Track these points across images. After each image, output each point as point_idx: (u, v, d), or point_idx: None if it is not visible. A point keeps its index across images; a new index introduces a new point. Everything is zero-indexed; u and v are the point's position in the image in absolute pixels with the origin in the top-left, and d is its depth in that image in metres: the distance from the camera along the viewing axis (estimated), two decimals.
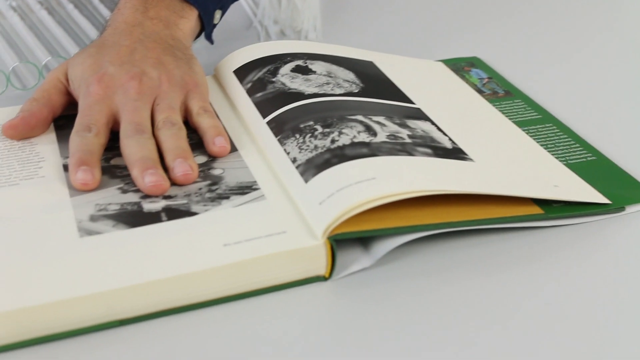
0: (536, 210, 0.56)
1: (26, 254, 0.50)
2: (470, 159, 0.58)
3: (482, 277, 0.53)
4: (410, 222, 0.53)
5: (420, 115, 0.63)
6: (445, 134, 0.61)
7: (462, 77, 0.73)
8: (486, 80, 0.73)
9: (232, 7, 0.86)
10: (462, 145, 0.60)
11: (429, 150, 0.58)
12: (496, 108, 0.68)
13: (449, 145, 0.59)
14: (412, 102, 0.65)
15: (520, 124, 0.66)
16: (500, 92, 0.72)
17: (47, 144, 0.61)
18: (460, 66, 0.75)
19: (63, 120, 0.64)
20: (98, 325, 0.48)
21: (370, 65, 0.70)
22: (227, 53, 0.71)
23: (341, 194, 0.52)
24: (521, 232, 0.56)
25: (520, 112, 0.69)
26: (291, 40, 0.73)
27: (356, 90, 0.64)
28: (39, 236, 0.52)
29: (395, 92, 0.66)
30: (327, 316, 0.51)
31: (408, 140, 0.58)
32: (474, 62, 0.76)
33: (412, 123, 0.61)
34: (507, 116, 0.67)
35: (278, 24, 0.82)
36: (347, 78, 0.66)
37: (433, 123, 0.62)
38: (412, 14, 0.87)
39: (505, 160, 0.60)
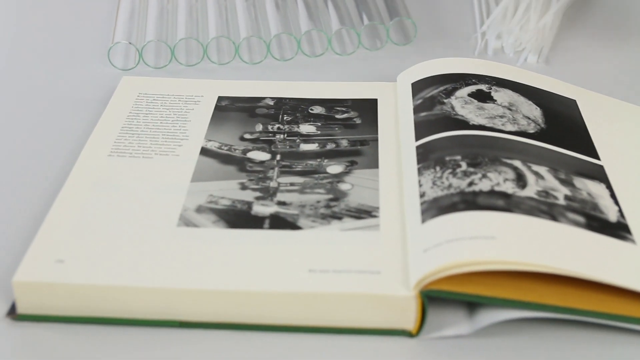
0: None
1: (118, 230, 0.50)
2: (632, 240, 0.48)
3: None
4: (527, 296, 0.46)
5: (597, 174, 0.54)
6: (617, 204, 0.51)
7: None
8: None
9: (462, 12, 0.81)
10: (632, 221, 0.50)
11: (581, 219, 0.49)
12: None
13: (613, 217, 0.50)
14: (597, 157, 0.55)
15: None
16: None
17: (199, 124, 0.60)
18: None
19: (226, 101, 0.63)
20: (157, 321, 0.47)
21: (570, 104, 0.61)
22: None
23: (449, 247, 0.46)
24: None
25: None
26: (489, 61, 0.66)
27: (532, 131, 0.56)
28: (141, 214, 0.51)
29: (581, 142, 0.57)
30: None
31: (561, 201, 0.50)
32: None
33: (580, 182, 0.52)
34: None
35: (500, 39, 0.75)
36: (528, 114, 0.58)
37: (609, 187, 0.52)
38: None
39: None
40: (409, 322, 0.46)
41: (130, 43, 0.71)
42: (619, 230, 0.49)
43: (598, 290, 0.46)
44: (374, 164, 0.56)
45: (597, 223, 0.49)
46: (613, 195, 0.52)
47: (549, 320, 0.47)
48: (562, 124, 0.58)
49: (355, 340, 0.46)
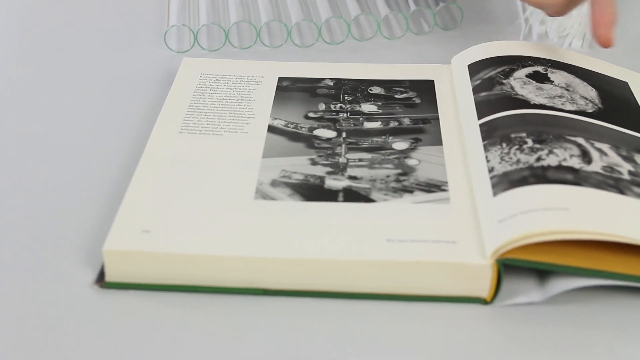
0: None
1: (198, 202, 0.52)
2: None
3: None
4: (598, 265, 0.47)
5: None
6: None
7: None
8: None
9: None
10: None
11: None
12: None
13: None
14: None
15: None
16: None
17: (263, 103, 0.62)
18: None
19: (287, 81, 0.65)
20: (241, 289, 0.48)
21: (622, 86, 0.63)
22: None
23: (524, 217, 0.48)
24: None
25: None
26: (542, 44, 0.68)
27: (590, 110, 0.58)
28: (217, 188, 0.53)
29: (637, 121, 0.59)
30: (476, 343, 0.47)
31: (626, 176, 0.52)
32: None
33: None
34: None
35: (544, 24, 0.77)
36: (585, 95, 0.60)
37: None
38: None
39: None
40: (484, 289, 0.48)
41: (185, 26, 0.73)
42: None
43: None
44: (437, 141, 0.58)
45: None
46: None
47: (618, 289, 0.49)
48: (618, 104, 0.60)
49: (432, 307, 0.48)
